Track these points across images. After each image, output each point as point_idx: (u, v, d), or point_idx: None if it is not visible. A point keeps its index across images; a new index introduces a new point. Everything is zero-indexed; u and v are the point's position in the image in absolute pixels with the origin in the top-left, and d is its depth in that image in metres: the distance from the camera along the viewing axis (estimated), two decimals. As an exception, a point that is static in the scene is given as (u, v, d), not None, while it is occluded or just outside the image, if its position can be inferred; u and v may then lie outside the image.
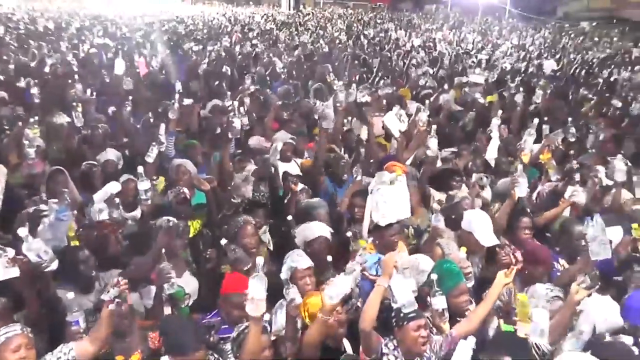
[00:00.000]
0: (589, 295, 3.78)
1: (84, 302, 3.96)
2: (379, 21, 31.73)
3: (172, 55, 13.29)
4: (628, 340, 3.65)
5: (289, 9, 39.37)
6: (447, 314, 3.69)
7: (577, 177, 6.14)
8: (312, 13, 36.26)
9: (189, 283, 4.55)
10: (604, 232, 4.26)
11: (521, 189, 5.20)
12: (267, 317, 3.55)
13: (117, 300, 3.30)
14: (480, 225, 4.75)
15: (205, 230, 5.27)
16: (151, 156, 5.60)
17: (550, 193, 6.02)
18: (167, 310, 3.96)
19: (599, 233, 4.25)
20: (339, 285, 3.39)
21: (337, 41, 19.48)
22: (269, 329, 3.53)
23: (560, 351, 3.53)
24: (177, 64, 12.10)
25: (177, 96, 6.91)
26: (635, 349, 3.53)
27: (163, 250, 3.95)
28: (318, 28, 24.82)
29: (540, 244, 5.12)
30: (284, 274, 4.03)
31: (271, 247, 5.15)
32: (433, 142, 6.02)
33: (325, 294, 3.40)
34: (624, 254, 4.92)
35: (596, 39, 26.63)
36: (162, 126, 5.91)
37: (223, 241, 4.44)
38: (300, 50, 15.63)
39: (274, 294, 3.76)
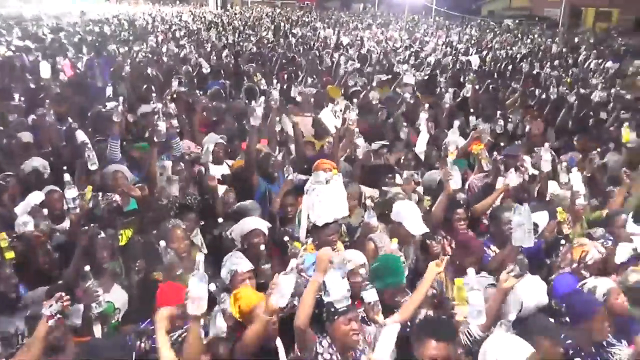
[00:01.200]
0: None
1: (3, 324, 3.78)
2: (306, 20, 31.77)
3: (98, 57, 12.88)
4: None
5: (217, 8, 38.95)
6: (379, 306, 3.73)
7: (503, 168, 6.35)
8: (241, 12, 36.02)
9: (118, 296, 4.40)
10: (529, 221, 4.39)
11: (455, 182, 5.28)
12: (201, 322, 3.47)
13: (58, 316, 3.14)
14: (409, 215, 4.83)
15: (137, 237, 5.09)
16: (94, 163, 5.39)
17: (482, 186, 6.14)
18: (97, 327, 3.80)
19: (524, 221, 4.37)
20: (284, 286, 3.33)
21: (266, 41, 19.39)
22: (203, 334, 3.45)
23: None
24: (102, 66, 11.71)
25: (121, 99, 6.67)
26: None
27: (88, 267, 3.78)
28: (246, 27, 24.62)
29: (473, 234, 5.25)
30: (224, 277, 4.00)
31: (205, 251, 5.05)
32: (360, 141, 6.08)
33: (272, 298, 3.32)
34: (550, 237, 5.13)
35: (519, 35, 27.60)
36: (80, 132, 5.67)
37: (162, 243, 4.30)
38: (229, 50, 15.46)
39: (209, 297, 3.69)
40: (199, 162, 6.71)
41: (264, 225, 4.74)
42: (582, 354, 3.53)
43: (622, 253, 4.80)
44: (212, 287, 3.59)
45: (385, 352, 3.17)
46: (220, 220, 5.16)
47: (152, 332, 3.64)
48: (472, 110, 8.78)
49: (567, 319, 3.93)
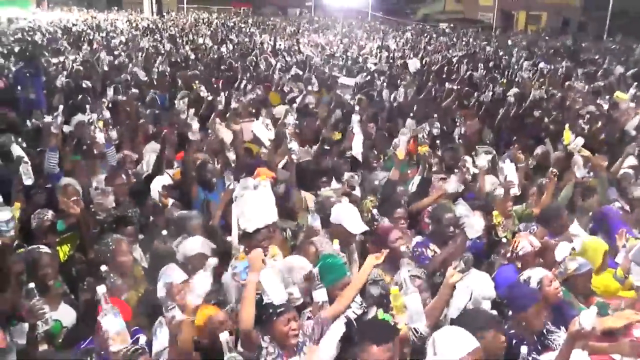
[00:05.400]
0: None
1: None
2: (243, 25, 31.62)
3: (28, 67, 12.41)
4: (487, 305, 4.02)
5: (152, 14, 38.23)
6: (327, 306, 3.78)
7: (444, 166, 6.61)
8: (177, 18, 35.52)
9: (66, 314, 4.23)
10: (471, 211, 4.58)
11: None
12: (143, 340, 3.40)
13: None
14: (347, 216, 4.89)
15: (77, 254, 4.89)
16: (29, 177, 5.18)
17: (419, 183, 6.28)
18: (43, 347, 3.65)
19: (468, 212, 4.51)
20: (198, 284, 3.37)
21: (203, 47, 19.20)
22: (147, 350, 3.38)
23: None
24: (34, 76, 11.27)
25: (60, 108, 6.44)
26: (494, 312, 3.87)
27: (32, 285, 3.63)
28: (183, 34, 24.29)
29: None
30: (160, 292, 3.89)
31: (145, 264, 4.94)
32: (294, 145, 6.13)
33: (187, 297, 3.37)
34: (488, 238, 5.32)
35: (454, 39, 28.22)
36: (15, 146, 5.48)
37: (103, 268, 4.17)
38: (166, 57, 15.25)
39: (154, 312, 3.63)
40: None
41: (207, 248, 4.64)
42: (525, 342, 3.62)
43: (562, 251, 4.96)
44: (160, 292, 3.57)
45: (329, 348, 3.18)
46: (164, 232, 5.03)
47: (97, 350, 3.54)
48: (410, 113, 8.87)
49: (508, 309, 4.08)
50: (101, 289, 3.07)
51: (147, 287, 4.39)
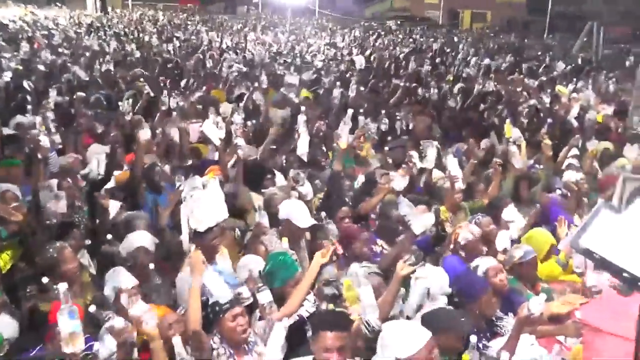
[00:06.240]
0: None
1: None
2: (189, 23, 31.24)
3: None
4: (443, 299, 4.04)
5: (96, 11, 37.24)
6: (274, 306, 3.81)
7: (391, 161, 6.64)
8: (122, 16, 34.79)
9: (7, 325, 3.96)
10: (413, 207, 4.69)
11: None
12: (97, 347, 3.34)
13: None
14: (295, 211, 4.90)
15: (21, 263, 4.68)
16: None
17: (366, 181, 6.30)
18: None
19: (410, 209, 4.60)
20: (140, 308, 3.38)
21: (149, 45, 18.90)
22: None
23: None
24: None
25: None
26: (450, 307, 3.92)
27: None
28: (128, 32, 23.80)
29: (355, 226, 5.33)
30: (108, 295, 3.85)
31: (93, 270, 4.83)
32: (240, 141, 6.12)
33: (148, 324, 3.33)
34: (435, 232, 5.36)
35: (401, 36, 28.56)
36: None
37: (45, 279, 4.05)
38: (111, 56, 14.90)
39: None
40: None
41: (150, 242, 4.56)
42: (475, 330, 3.69)
43: (501, 240, 5.09)
44: (92, 308, 3.56)
45: (275, 349, 3.20)
46: (109, 236, 4.92)
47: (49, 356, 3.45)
48: (359, 109, 8.94)
49: (458, 299, 4.12)
50: (63, 286, 2.98)
51: (95, 294, 4.28)
